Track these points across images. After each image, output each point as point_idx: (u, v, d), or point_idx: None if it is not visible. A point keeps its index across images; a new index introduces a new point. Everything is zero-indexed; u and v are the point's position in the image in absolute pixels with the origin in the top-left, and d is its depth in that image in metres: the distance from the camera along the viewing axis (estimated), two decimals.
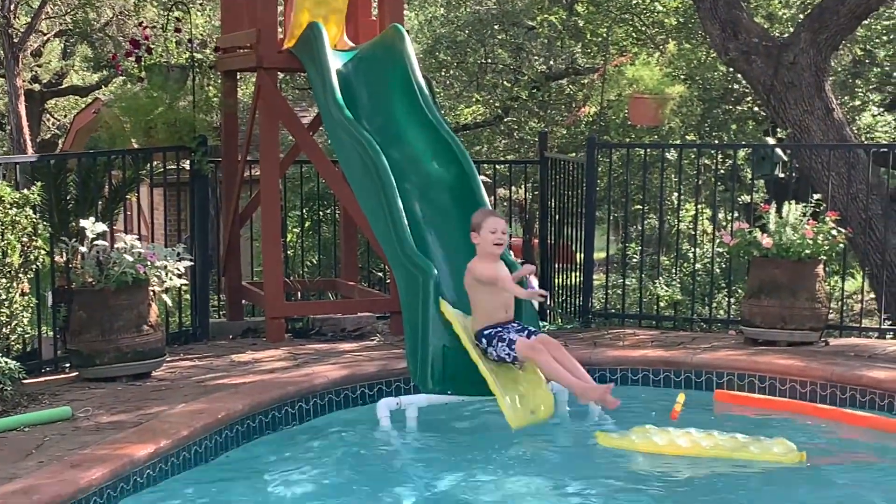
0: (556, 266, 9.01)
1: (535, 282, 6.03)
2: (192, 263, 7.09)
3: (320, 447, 5.55)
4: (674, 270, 10.25)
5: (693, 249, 10.41)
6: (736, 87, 13.88)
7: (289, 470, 5.13)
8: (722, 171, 12.34)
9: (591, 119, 14.98)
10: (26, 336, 6.33)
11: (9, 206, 5.83)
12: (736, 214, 10.31)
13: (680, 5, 14.38)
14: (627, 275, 10.08)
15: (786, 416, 6.13)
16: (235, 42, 8.15)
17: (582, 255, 8.44)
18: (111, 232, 6.81)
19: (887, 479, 5.15)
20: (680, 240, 12.53)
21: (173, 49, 8.35)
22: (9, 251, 5.80)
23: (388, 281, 8.92)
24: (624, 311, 8.80)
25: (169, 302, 6.85)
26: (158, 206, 12.56)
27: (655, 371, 6.80)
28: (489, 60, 16.82)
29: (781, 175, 8.64)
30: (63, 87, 23.81)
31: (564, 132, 15.72)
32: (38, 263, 6.11)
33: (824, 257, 7.28)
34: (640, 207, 11.51)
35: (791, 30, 10.92)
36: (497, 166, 10.12)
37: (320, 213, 11.08)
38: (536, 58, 16.95)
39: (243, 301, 8.55)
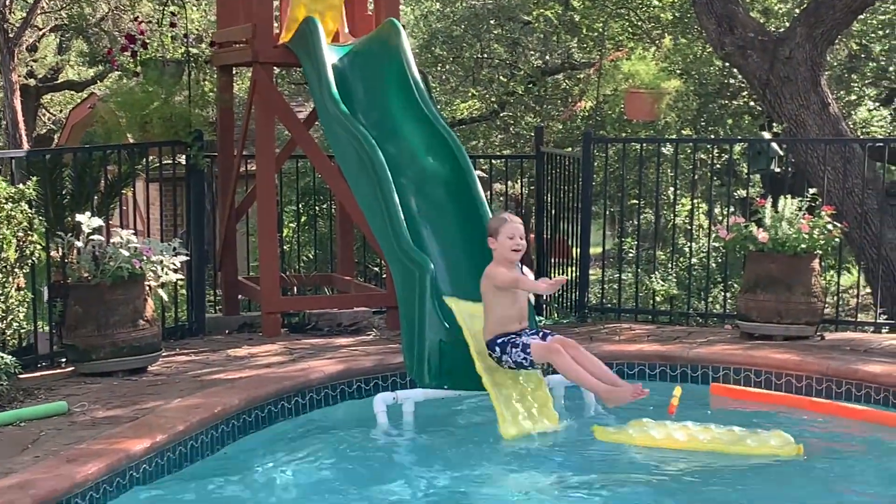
0: (553, 261, 9.02)
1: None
2: (189, 258, 7.08)
3: (316, 442, 5.54)
4: (670, 265, 10.25)
5: (689, 244, 10.42)
6: (732, 81, 13.88)
7: (285, 465, 5.13)
8: (718, 166, 12.35)
9: (587, 114, 14.98)
10: (22, 331, 6.31)
11: (4, 201, 5.82)
12: (732, 209, 10.31)
13: (675, 0, 14.38)
14: (623, 269, 10.09)
15: (782, 410, 6.14)
16: (231, 37, 8.14)
17: (578, 250, 8.45)
18: (107, 227, 6.81)
19: (882, 471, 5.17)
20: (676, 234, 12.54)
21: (169, 44, 8.35)
22: (4, 246, 5.79)
23: (385, 276, 8.92)
24: (620, 306, 8.81)
25: (165, 297, 6.84)
26: (154, 201, 12.56)
27: (652, 366, 6.80)
28: (485, 55, 16.81)
29: (777, 170, 8.63)
30: (59, 82, 23.78)
31: (560, 127, 15.71)
32: (33, 258, 6.11)
33: (820, 252, 7.28)
34: (637, 202, 11.51)
35: (787, 24, 10.91)
36: (493, 161, 10.12)
37: (316, 208, 11.09)
38: (532, 53, 16.94)
39: (239, 296, 8.55)
